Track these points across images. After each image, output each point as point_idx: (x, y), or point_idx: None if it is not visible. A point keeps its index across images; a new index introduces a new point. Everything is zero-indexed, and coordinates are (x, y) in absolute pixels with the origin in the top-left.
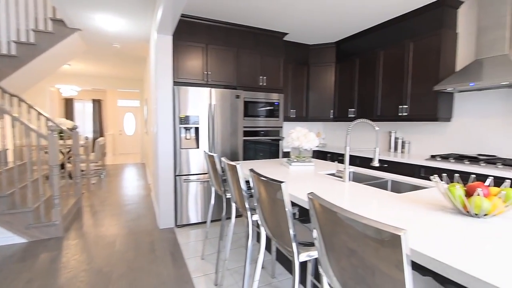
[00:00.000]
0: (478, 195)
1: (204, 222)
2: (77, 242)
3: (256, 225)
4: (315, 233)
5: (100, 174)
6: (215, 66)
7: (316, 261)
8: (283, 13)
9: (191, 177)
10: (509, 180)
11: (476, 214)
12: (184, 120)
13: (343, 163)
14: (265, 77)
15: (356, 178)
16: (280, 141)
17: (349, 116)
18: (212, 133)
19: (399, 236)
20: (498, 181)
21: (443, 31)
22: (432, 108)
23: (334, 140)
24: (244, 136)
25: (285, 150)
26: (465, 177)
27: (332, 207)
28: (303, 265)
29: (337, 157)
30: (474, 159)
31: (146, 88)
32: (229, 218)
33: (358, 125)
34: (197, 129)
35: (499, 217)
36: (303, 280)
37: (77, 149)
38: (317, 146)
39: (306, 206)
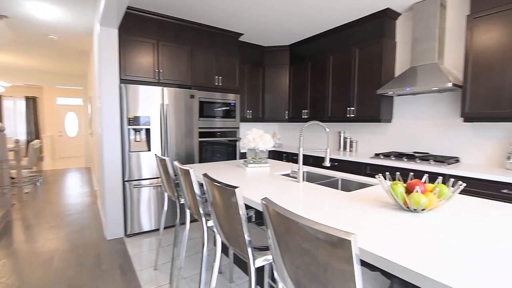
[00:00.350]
0: (417, 192)
1: (158, 230)
2: (4, 263)
3: (212, 230)
4: (269, 236)
5: (35, 182)
6: (168, 64)
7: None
8: (238, 13)
9: (143, 182)
10: (442, 177)
11: (415, 209)
12: (134, 121)
13: (297, 163)
14: (221, 77)
15: (310, 177)
16: (237, 142)
17: (303, 117)
18: (165, 134)
19: (349, 241)
20: (433, 176)
21: (384, 40)
22: (375, 110)
23: (289, 140)
24: (200, 137)
25: (242, 151)
26: (404, 173)
27: (285, 213)
28: (261, 267)
29: (292, 157)
30: (411, 157)
31: (90, 85)
32: (183, 223)
33: (311, 125)
34: (148, 130)
35: (434, 211)
36: (261, 283)
37: (4, 154)
38: (273, 147)
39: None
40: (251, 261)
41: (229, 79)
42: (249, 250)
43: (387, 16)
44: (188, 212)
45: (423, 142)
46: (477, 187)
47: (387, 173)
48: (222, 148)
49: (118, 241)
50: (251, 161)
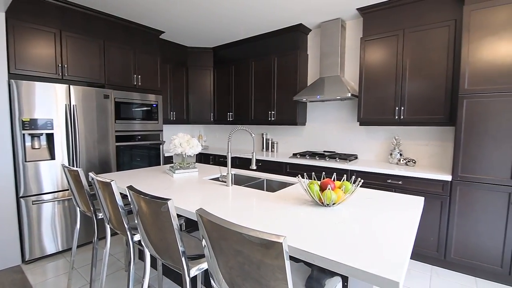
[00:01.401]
0: (329, 189)
1: (68, 250)
2: None
3: (138, 243)
4: (204, 245)
5: None
6: (75, 59)
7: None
8: (158, 10)
9: (45, 197)
10: (346, 174)
11: (327, 204)
12: (30, 124)
13: (225, 166)
14: (140, 76)
15: (238, 180)
16: (161, 146)
17: (228, 119)
18: (73, 140)
19: (280, 243)
20: (339, 172)
21: (299, 52)
22: (292, 114)
23: (215, 142)
24: (117, 141)
25: (166, 154)
26: (317, 170)
27: (221, 222)
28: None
29: (219, 159)
30: (322, 155)
31: None
32: (103, 238)
33: (236, 127)
34: (50, 135)
35: (342, 204)
36: None
37: None
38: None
39: (194, 218)
40: (186, 272)
41: (150, 78)
42: (183, 260)
43: (300, 31)
44: (108, 227)
45: (330, 143)
46: (371, 179)
47: (305, 173)
48: (144, 152)
49: (14, 270)
50: (178, 167)
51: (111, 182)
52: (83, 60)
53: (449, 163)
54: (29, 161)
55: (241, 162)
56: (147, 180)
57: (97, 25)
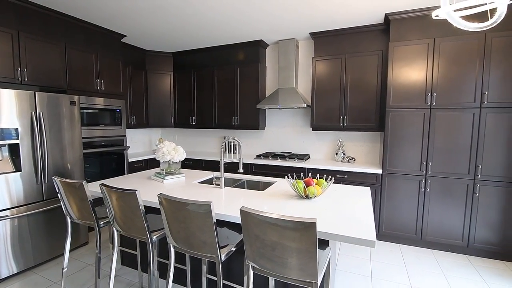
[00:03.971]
0: (312, 185)
1: (26, 270)
2: None
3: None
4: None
5: None
6: (34, 62)
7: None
8: (120, 13)
9: (7, 213)
10: (303, 171)
11: (310, 197)
12: None
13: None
14: (103, 81)
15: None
16: (125, 151)
17: (191, 123)
18: (40, 149)
19: (314, 223)
20: (299, 170)
21: (259, 64)
22: (254, 120)
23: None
24: (85, 148)
25: (130, 160)
26: (278, 168)
27: (258, 212)
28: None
29: (184, 162)
30: (282, 156)
31: None
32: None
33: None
34: (15, 146)
35: (319, 196)
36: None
37: None
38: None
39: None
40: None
41: (112, 83)
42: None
43: (260, 46)
44: (116, 233)
45: (287, 144)
46: (324, 174)
47: (292, 174)
48: (109, 158)
49: None
50: (165, 173)
51: (136, 192)
52: (43, 64)
53: (379, 160)
54: None
55: (206, 165)
56: (143, 188)
57: (56, 27)
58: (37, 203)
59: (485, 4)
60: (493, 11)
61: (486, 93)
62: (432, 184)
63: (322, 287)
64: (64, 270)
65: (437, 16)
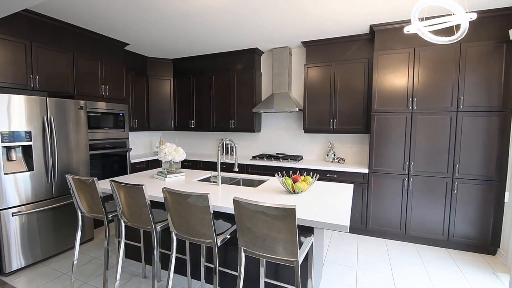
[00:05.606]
0: (299, 182)
1: (47, 259)
2: None
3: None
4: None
5: None
6: (45, 70)
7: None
8: (124, 24)
9: (20, 209)
10: (298, 170)
11: (297, 192)
12: (8, 137)
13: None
14: (107, 86)
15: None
16: (127, 153)
17: (190, 126)
18: (51, 151)
19: (294, 209)
20: (293, 170)
21: (254, 70)
22: (250, 123)
23: None
24: (90, 150)
25: (133, 161)
26: (273, 168)
27: (249, 201)
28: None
29: (184, 163)
30: (276, 157)
31: None
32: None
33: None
34: (28, 147)
35: (306, 192)
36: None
37: None
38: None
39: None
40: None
41: (116, 88)
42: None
43: (256, 53)
44: (123, 226)
45: (281, 146)
46: (317, 174)
47: (281, 172)
48: (113, 159)
49: None
50: (166, 172)
51: (143, 186)
52: (53, 71)
53: (366, 160)
54: (8, 174)
55: (204, 166)
56: (147, 185)
57: (66, 37)
58: (46, 201)
59: (451, 21)
60: (458, 26)
61: (462, 98)
62: (414, 182)
63: (306, 267)
64: (74, 262)
65: (408, 31)
